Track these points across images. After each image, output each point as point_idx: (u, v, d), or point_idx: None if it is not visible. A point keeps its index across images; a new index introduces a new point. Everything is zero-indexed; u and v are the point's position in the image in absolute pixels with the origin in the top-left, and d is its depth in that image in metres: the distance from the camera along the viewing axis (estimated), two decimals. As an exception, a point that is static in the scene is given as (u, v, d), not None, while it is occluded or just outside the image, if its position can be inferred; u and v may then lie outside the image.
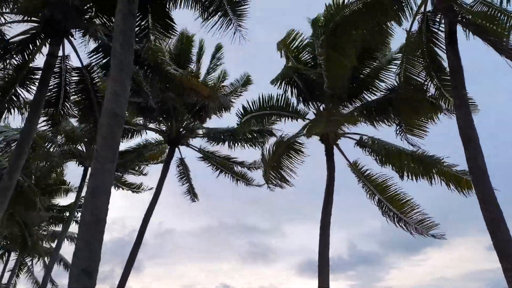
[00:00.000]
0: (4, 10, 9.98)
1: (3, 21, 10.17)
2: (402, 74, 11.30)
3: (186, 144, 17.20)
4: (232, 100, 17.23)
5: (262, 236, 50.16)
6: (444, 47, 9.77)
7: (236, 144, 16.54)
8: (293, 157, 13.71)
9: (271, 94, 13.49)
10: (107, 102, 6.02)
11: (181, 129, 16.77)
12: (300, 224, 50.99)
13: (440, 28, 9.95)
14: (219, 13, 9.97)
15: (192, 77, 13.79)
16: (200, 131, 17.13)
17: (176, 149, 17.00)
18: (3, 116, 11.78)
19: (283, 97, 13.51)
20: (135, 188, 20.45)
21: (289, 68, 13.00)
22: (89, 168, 18.98)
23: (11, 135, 13.37)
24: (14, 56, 10.74)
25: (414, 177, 12.10)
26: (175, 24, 10.42)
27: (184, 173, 18.29)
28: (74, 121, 16.31)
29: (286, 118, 13.81)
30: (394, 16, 9.78)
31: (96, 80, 11.88)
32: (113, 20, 9.83)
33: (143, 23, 10.18)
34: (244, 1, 10.01)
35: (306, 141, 13.63)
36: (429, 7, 9.91)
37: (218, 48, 17.05)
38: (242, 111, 13.58)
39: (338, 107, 13.06)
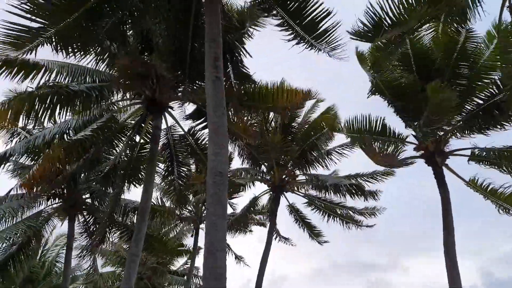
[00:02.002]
0: (113, 99, 11.54)
1: (115, 109, 11.80)
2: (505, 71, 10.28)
3: (291, 190, 17.00)
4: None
5: (381, 273, 46.71)
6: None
7: (340, 192, 15.93)
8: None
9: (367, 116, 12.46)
10: (210, 163, 6.54)
11: (284, 176, 16.54)
12: (420, 256, 46.57)
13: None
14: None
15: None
16: (303, 177, 16.74)
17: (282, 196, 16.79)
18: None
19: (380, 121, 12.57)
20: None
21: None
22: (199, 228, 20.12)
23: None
24: (132, 138, 12.34)
25: None
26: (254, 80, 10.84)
27: (298, 219, 17.96)
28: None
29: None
30: None
31: (200, 141, 12.78)
32: (202, 84, 10.75)
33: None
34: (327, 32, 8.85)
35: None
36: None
37: None
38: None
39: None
